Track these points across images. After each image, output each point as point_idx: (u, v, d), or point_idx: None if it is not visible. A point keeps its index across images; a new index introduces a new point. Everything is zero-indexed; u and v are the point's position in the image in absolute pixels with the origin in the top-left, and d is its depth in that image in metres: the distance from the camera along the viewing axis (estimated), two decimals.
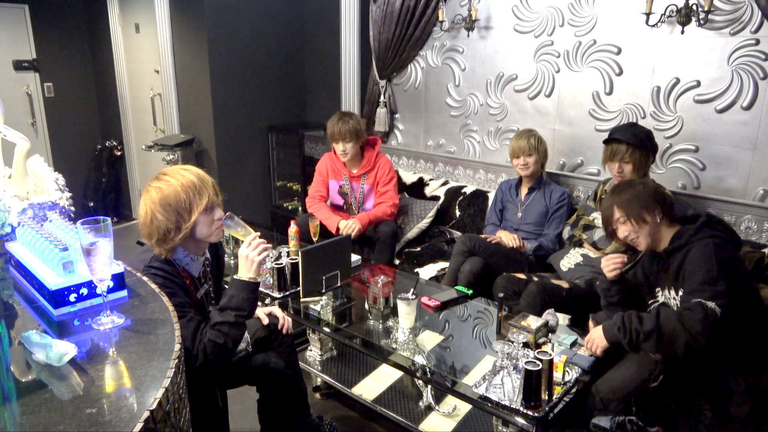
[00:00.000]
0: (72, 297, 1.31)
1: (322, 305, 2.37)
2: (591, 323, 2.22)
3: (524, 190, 3.02)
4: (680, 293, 1.97)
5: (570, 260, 2.66)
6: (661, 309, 1.92)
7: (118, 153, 5.47)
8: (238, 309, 1.72)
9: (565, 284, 2.51)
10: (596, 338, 1.95)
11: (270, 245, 1.81)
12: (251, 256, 1.75)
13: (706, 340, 1.79)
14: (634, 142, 2.47)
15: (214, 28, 4.09)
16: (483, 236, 2.96)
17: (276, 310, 2.18)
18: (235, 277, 1.76)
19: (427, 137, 3.92)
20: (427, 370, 1.95)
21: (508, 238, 2.88)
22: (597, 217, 2.63)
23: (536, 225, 2.95)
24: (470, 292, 2.50)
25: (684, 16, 2.53)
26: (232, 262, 2.83)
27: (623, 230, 2.05)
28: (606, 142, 2.58)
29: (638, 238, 2.05)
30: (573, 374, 1.82)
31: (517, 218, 3.00)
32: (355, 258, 2.77)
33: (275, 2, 4.36)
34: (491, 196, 3.37)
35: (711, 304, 1.82)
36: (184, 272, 1.80)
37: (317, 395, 2.62)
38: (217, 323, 1.71)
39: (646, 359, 1.89)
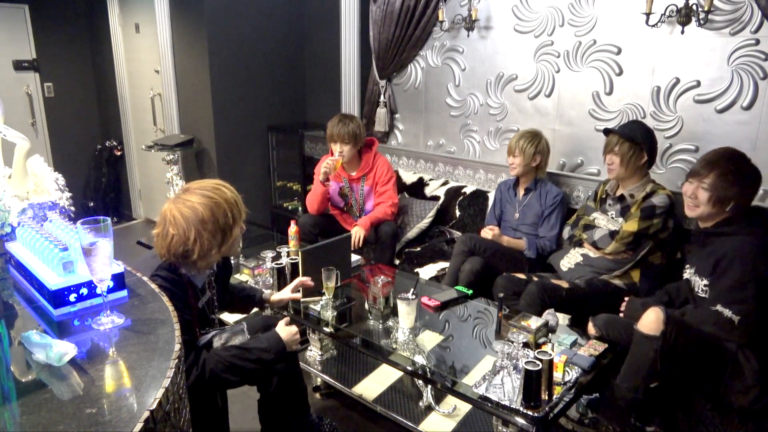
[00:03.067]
0: (72, 297, 1.31)
1: (322, 305, 2.37)
2: (591, 326, 2.23)
3: (521, 191, 3.02)
4: (704, 281, 2.01)
5: (570, 260, 2.67)
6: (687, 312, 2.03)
7: (118, 153, 5.47)
8: (259, 361, 1.82)
9: (565, 284, 2.52)
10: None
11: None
12: (295, 342, 1.94)
13: (730, 335, 1.89)
14: (625, 134, 2.47)
15: (214, 28, 4.09)
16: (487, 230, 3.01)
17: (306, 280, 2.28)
18: (281, 336, 1.89)
19: (427, 137, 3.92)
20: (427, 370, 1.95)
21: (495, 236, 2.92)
22: (597, 217, 2.63)
23: (534, 225, 2.94)
24: (470, 292, 2.50)
25: (684, 16, 2.53)
26: (240, 258, 2.85)
27: (696, 192, 2.01)
28: (604, 133, 2.59)
29: (696, 209, 2.03)
30: (573, 374, 1.82)
31: (515, 218, 2.99)
32: (355, 258, 2.77)
33: (275, 2, 4.36)
34: (491, 196, 3.37)
35: (728, 313, 1.86)
36: (188, 283, 1.80)
37: (317, 395, 2.62)
38: (231, 365, 1.75)
39: (644, 340, 1.91)
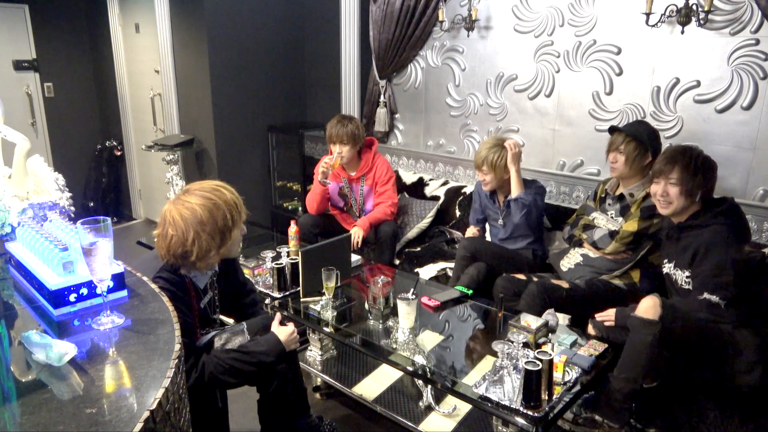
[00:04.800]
0: (72, 297, 1.31)
1: (322, 305, 2.37)
2: (590, 326, 2.22)
3: (501, 198, 2.90)
4: (686, 273, 2.10)
5: (570, 260, 2.66)
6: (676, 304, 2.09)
7: (118, 153, 5.47)
8: (259, 364, 1.82)
9: (565, 284, 2.51)
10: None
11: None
12: (293, 342, 1.95)
13: (722, 318, 2.00)
14: (631, 133, 2.47)
15: (214, 28, 4.09)
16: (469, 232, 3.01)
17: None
18: (279, 337, 1.89)
19: (427, 137, 3.92)
20: (427, 370, 1.95)
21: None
22: (597, 217, 2.63)
23: (521, 233, 2.84)
24: (470, 292, 2.50)
25: (684, 16, 2.53)
26: (240, 258, 2.84)
27: (666, 189, 2.10)
28: (609, 132, 2.59)
29: (670, 205, 2.13)
30: (573, 374, 1.82)
31: (503, 228, 2.88)
32: (355, 258, 2.77)
33: (275, 2, 4.36)
34: None
35: (714, 298, 1.98)
36: (190, 284, 1.80)
37: (317, 395, 2.62)
38: (231, 367, 1.75)
39: (642, 325, 1.94)
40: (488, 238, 3.10)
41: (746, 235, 2.15)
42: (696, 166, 2.07)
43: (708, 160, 2.12)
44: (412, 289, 2.24)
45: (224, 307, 2.08)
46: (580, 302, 2.43)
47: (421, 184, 3.80)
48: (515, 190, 2.73)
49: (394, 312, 2.27)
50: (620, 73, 2.92)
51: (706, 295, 2.00)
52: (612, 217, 2.59)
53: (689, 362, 2.04)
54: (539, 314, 2.16)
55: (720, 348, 1.96)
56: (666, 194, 2.11)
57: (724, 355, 1.96)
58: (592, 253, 2.60)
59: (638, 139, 2.46)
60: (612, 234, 2.52)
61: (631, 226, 2.46)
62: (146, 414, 0.90)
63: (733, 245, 2.01)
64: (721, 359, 1.96)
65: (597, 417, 2.04)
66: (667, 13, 2.60)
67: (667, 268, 2.21)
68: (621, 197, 2.58)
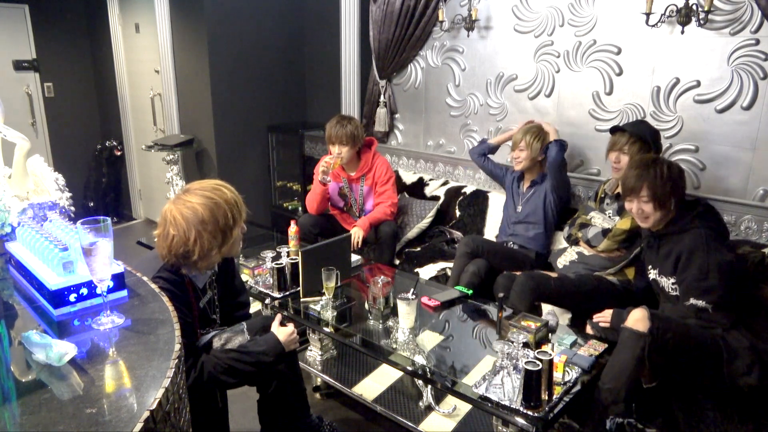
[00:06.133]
0: (72, 297, 1.31)
1: (322, 305, 2.37)
2: (588, 327, 2.22)
3: (526, 183, 3.01)
4: (671, 280, 2.10)
5: (566, 258, 2.68)
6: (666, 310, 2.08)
7: (118, 153, 5.47)
8: (258, 364, 1.82)
9: (553, 274, 2.52)
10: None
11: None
12: (293, 342, 1.94)
13: (711, 323, 1.99)
14: (635, 134, 2.48)
15: (214, 28, 4.09)
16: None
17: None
18: (278, 338, 1.89)
19: (427, 137, 3.92)
20: (427, 370, 1.95)
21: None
22: (594, 216, 2.64)
23: (535, 220, 2.91)
24: (470, 292, 2.50)
25: (684, 16, 2.53)
26: (240, 258, 2.85)
27: (641, 207, 2.11)
28: (611, 132, 2.59)
29: (647, 220, 2.13)
30: (573, 374, 1.82)
31: (517, 212, 2.97)
32: (355, 258, 2.77)
33: (275, 2, 4.36)
34: (491, 196, 3.37)
35: (701, 303, 1.98)
36: (189, 283, 1.80)
37: (317, 395, 2.62)
38: (230, 367, 1.75)
39: (632, 337, 1.91)
40: (489, 237, 3.11)
41: (725, 235, 2.15)
42: (663, 179, 2.07)
43: (673, 168, 2.12)
44: (412, 289, 2.24)
45: (222, 311, 2.07)
46: (570, 294, 2.42)
47: (421, 184, 3.80)
48: (554, 137, 2.91)
49: (394, 312, 2.27)
50: (620, 73, 2.92)
51: (692, 301, 2.00)
52: (609, 216, 2.60)
53: (686, 369, 2.03)
54: (530, 305, 2.16)
55: (715, 353, 1.94)
56: (641, 211, 2.13)
57: (721, 360, 1.94)
58: (587, 251, 2.61)
59: (642, 139, 2.47)
60: (605, 232, 2.53)
61: (625, 224, 2.47)
62: (146, 414, 0.90)
63: (715, 248, 2.00)
64: (718, 364, 1.94)
65: (575, 424, 2.00)
66: (667, 13, 2.60)
67: (653, 274, 2.21)
68: (618, 196, 2.58)
